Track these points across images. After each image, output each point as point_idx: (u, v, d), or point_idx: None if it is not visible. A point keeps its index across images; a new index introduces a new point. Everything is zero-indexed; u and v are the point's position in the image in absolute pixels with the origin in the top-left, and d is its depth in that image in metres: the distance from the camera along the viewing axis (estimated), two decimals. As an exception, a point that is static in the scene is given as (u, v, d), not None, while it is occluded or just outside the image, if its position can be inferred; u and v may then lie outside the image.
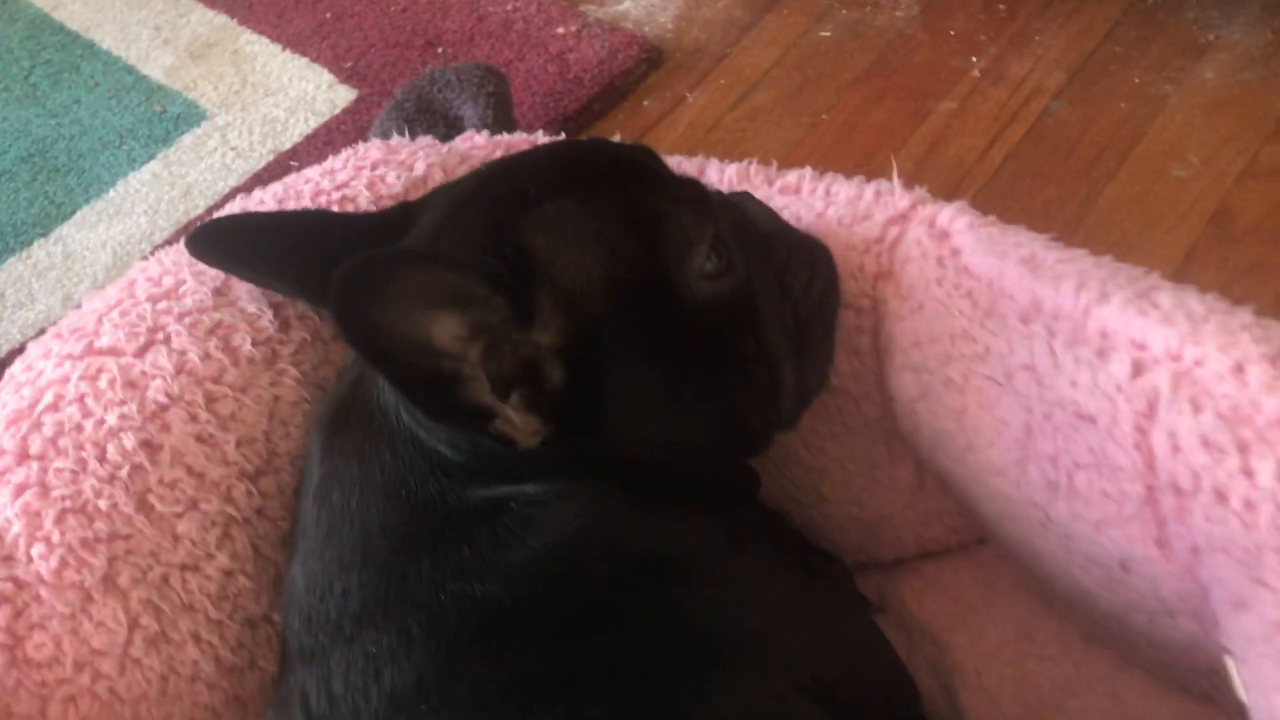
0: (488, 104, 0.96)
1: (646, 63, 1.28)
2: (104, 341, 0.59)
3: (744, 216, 0.63)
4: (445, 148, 0.72)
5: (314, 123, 1.28)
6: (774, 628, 0.54)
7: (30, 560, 0.54)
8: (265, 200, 0.67)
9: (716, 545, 0.57)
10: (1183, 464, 0.48)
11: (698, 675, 0.49)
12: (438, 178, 0.68)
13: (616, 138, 0.71)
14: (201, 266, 0.62)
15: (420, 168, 0.68)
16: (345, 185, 0.67)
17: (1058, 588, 0.60)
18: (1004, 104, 1.16)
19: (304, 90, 1.32)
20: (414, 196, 0.68)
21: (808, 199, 0.70)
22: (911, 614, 0.72)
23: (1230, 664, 0.48)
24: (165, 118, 1.31)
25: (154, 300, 0.61)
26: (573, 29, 1.32)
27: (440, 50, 1.34)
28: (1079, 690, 0.64)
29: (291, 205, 0.66)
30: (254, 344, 0.60)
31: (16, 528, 0.54)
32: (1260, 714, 0.45)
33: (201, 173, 1.24)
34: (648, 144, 1.15)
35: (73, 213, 1.23)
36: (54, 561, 0.53)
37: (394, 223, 0.60)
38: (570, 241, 0.54)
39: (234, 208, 0.67)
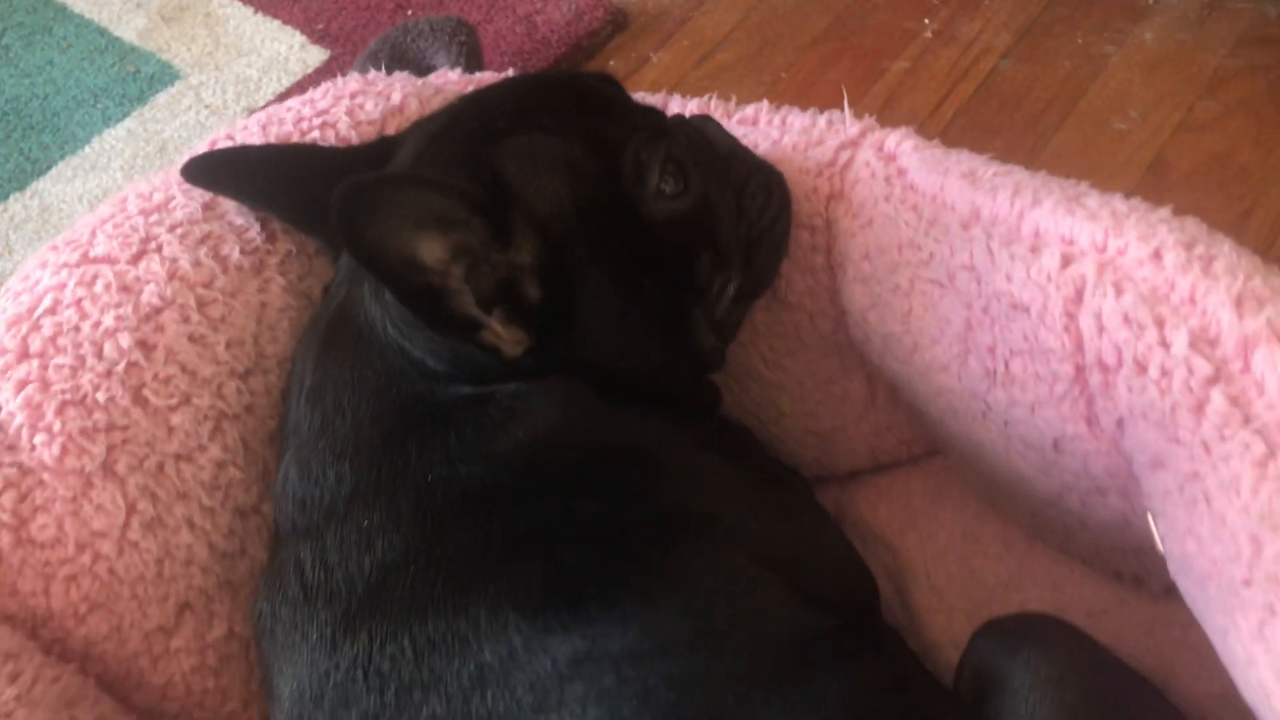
0: (460, 53, 0.99)
1: (612, 25, 1.32)
2: (99, 250, 0.62)
3: (702, 138, 0.67)
4: (420, 81, 0.76)
5: (286, 81, 1.31)
6: (731, 510, 0.58)
7: (33, 448, 0.57)
8: (249, 127, 0.70)
9: (680, 442, 0.61)
10: (1107, 341, 0.52)
11: (663, 541, 0.53)
12: (413, 107, 0.72)
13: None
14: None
15: (396, 98, 0.72)
16: (325, 112, 0.70)
17: (999, 479, 0.65)
18: (955, 63, 1.21)
19: (276, 51, 1.35)
20: (391, 125, 0.71)
21: (765, 129, 0.74)
22: (865, 522, 0.76)
23: (1151, 519, 0.52)
24: (139, 78, 1.33)
25: (145, 214, 0.64)
26: (540, -7, 1.35)
27: (410, 13, 1.37)
28: (1021, 584, 0.68)
29: (275, 131, 0.69)
30: (242, 253, 0.63)
31: (19, 419, 0.57)
32: (1174, 559, 0.50)
33: (176, 130, 1.27)
34: None
35: (49, 168, 1.25)
36: (55, 449, 0.56)
37: (375, 154, 0.64)
38: (539, 169, 0.58)
39: (220, 136, 0.70)
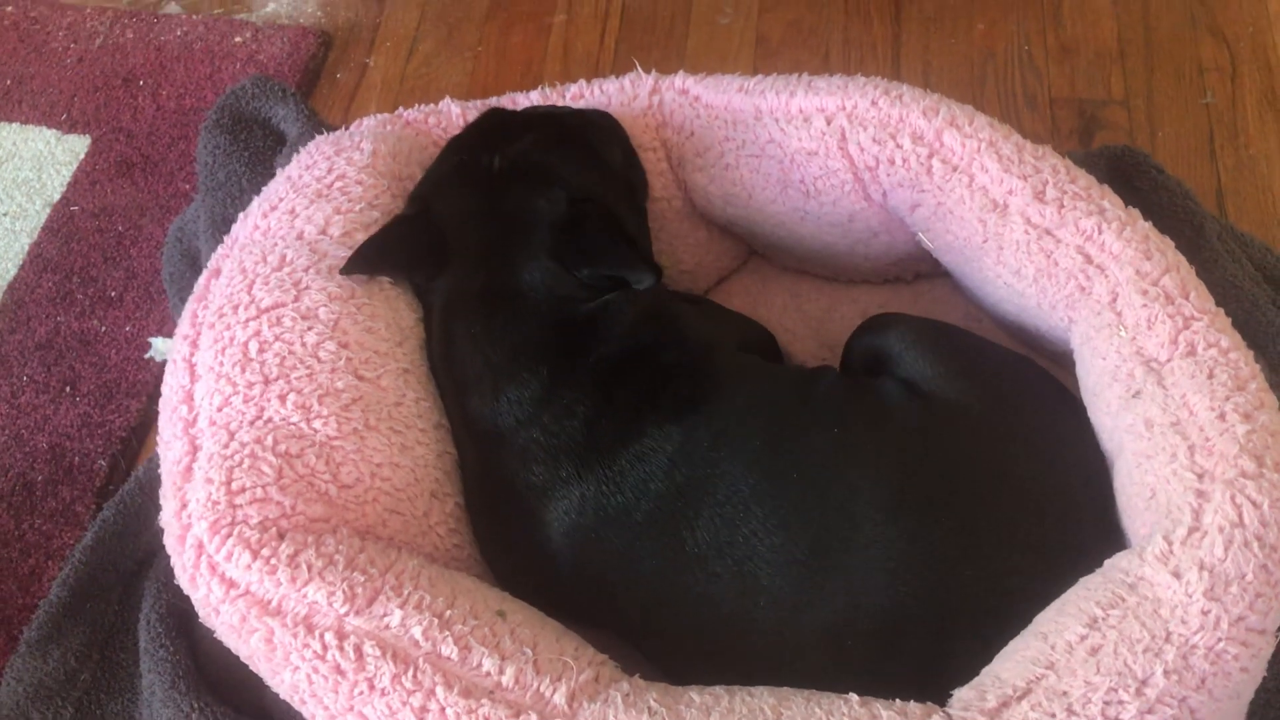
0: (295, 101, 1.27)
1: (323, 44, 1.60)
2: (266, 302, 0.91)
3: None
4: (366, 128, 1.07)
5: (67, 173, 1.47)
6: (720, 329, 1.01)
7: (315, 431, 0.87)
8: (285, 194, 0.99)
9: (674, 302, 1.02)
10: (868, 155, 0.99)
11: (710, 359, 0.93)
12: (382, 150, 1.04)
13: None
14: (290, 240, 0.95)
15: (367, 146, 1.04)
16: (332, 169, 1.01)
17: (813, 250, 1.12)
18: (596, 6, 1.63)
19: (36, 150, 1.50)
20: (376, 164, 1.03)
21: (594, 97, 1.13)
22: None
23: (920, 236, 1.01)
24: (-83, 209, 1.44)
25: (278, 269, 0.93)
26: (248, 35, 1.60)
27: (141, 83, 1.56)
28: (835, 307, 1.17)
29: (307, 194, 0.99)
30: (361, 271, 0.95)
31: (296, 417, 0.87)
32: (941, 250, 0.99)
33: (-9, 239, 1.41)
34: (360, 104, 1.58)
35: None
36: (333, 425, 0.87)
37: (420, 218, 0.99)
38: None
39: (270, 207, 0.99)
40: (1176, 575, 0.71)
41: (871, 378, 0.96)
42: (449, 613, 0.79)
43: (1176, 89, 1.48)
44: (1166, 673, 0.69)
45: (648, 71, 1.14)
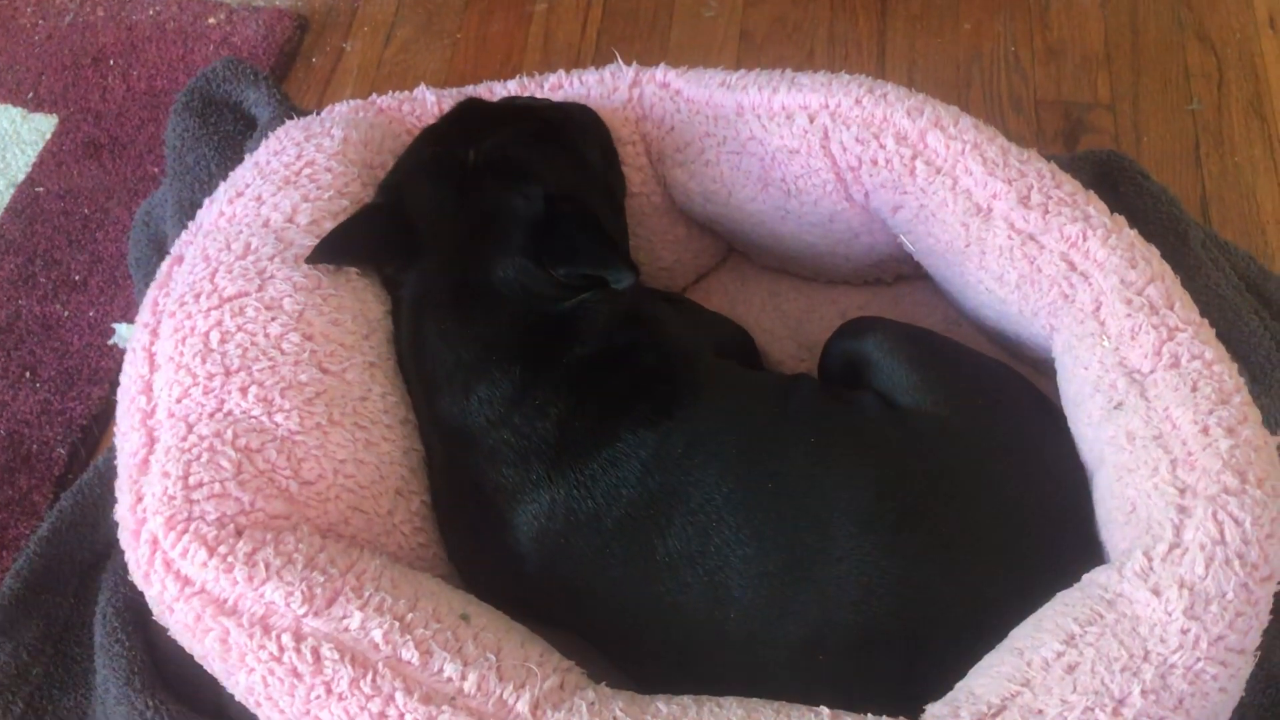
0: (268, 85, 1.24)
1: (299, 28, 1.56)
2: (229, 291, 0.88)
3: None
4: (338, 114, 1.04)
5: (32, 153, 1.44)
6: (698, 332, 1.00)
7: (277, 425, 0.84)
8: (252, 180, 0.96)
9: (663, 307, 1.00)
10: (850, 155, 0.97)
11: (687, 363, 0.90)
12: (353, 137, 1.01)
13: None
14: (256, 227, 0.92)
15: (338, 133, 1.01)
16: (301, 155, 0.98)
17: (792, 251, 1.10)
18: (580, -3, 1.61)
19: (1, 129, 1.46)
20: (346, 151, 1.00)
21: (574, 89, 1.11)
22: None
23: (902, 239, 0.99)
24: (-124, 186, 1.40)
25: (242, 258, 0.90)
26: (222, 17, 1.56)
27: (111, 63, 1.52)
28: (814, 308, 1.15)
29: (275, 181, 0.96)
30: (328, 261, 0.92)
31: (257, 410, 0.84)
32: (922, 253, 0.97)
33: (-46, 220, 1.37)
34: (335, 89, 1.54)
35: None
36: (295, 419, 0.84)
37: (392, 207, 0.95)
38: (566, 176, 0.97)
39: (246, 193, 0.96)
40: (1156, 593, 0.69)
41: (849, 387, 0.94)
42: (411, 615, 0.77)
43: (1163, 94, 1.47)
44: (1144, 692, 0.68)
45: (629, 63, 1.11)
